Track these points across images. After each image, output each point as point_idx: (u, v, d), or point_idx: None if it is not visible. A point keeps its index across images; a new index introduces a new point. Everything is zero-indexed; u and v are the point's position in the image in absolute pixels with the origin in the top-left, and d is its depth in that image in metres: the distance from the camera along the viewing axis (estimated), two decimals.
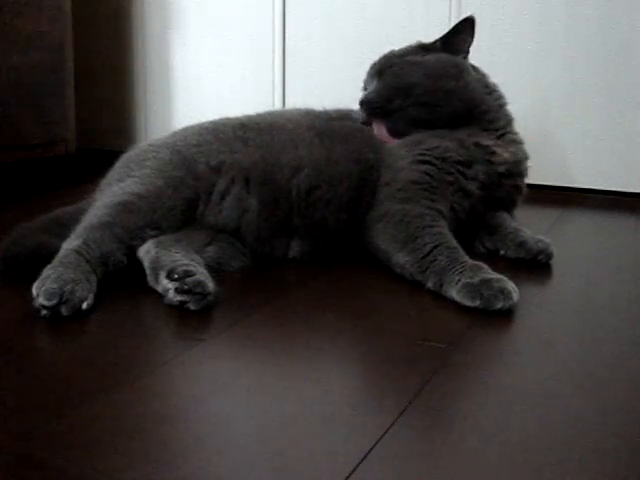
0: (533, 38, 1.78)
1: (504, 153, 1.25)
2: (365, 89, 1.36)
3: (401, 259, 1.10)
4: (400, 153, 1.21)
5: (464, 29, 1.32)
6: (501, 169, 1.24)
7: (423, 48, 1.33)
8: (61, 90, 1.89)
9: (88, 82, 2.26)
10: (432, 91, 1.25)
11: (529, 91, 1.77)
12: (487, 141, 1.25)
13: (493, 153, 1.24)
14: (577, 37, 1.74)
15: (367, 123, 1.28)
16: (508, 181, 1.26)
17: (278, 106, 2.05)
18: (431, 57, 1.29)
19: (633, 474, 0.61)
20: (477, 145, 1.23)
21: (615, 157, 1.76)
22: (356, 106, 1.34)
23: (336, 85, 1.96)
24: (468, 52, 1.33)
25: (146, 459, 0.61)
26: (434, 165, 1.18)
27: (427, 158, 1.19)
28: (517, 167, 1.28)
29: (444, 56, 1.30)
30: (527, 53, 1.79)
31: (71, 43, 1.93)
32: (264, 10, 2.04)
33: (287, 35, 2.03)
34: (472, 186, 1.20)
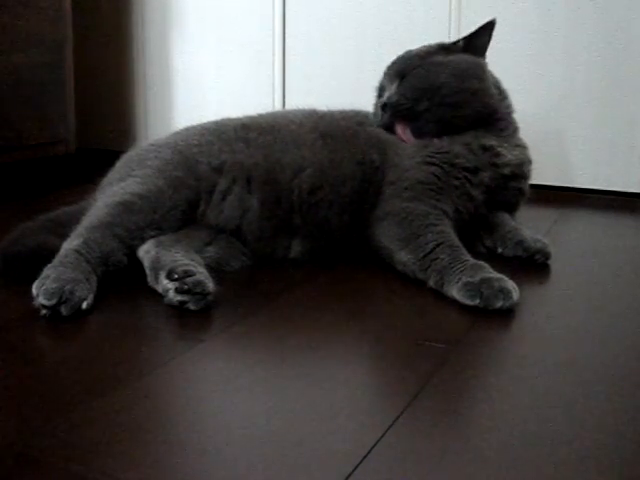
0: (533, 38, 1.78)
1: (508, 155, 1.25)
2: (381, 90, 1.34)
3: (403, 257, 1.10)
4: (409, 152, 1.21)
5: (487, 31, 1.32)
6: (506, 171, 1.25)
7: (444, 49, 1.31)
8: (61, 90, 1.89)
9: (88, 82, 2.26)
10: (458, 92, 1.24)
11: (529, 91, 1.77)
12: (492, 142, 1.24)
13: (498, 155, 1.24)
14: (577, 37, 1.74)
15: (388, 126, 1.26)
16: (512, 183, 1.26)
17: (278, 106, 2.05)
18: (455, 57, 1.28)
19: (635, 473, 0.61)
20: (484, 148, 1.23)
21: (615, 157, 1.76)
22: (358, 107, 1.34)
23: (336, 85, 1.96)
24: (485, 54, 1.33)
25: (146, 459, 0.61)
26: (442, 168, 1.18)
27: (435, 161, 1.19)
28: (521, 169, 1.28)
29: (467, 56, 1.29)
30: (527, 53, 1.79)
31: (71, 43, 1.93)
32: (264, 10, 2.04)
33: (287, 35, 2.03)
34: (476, 191, 1.21)
